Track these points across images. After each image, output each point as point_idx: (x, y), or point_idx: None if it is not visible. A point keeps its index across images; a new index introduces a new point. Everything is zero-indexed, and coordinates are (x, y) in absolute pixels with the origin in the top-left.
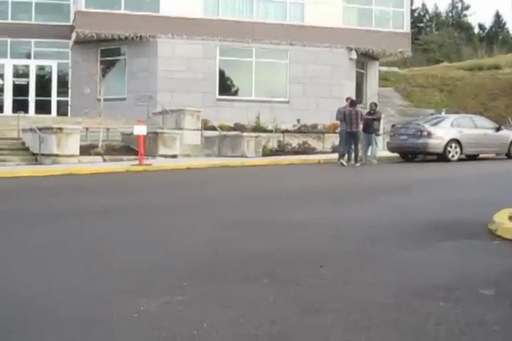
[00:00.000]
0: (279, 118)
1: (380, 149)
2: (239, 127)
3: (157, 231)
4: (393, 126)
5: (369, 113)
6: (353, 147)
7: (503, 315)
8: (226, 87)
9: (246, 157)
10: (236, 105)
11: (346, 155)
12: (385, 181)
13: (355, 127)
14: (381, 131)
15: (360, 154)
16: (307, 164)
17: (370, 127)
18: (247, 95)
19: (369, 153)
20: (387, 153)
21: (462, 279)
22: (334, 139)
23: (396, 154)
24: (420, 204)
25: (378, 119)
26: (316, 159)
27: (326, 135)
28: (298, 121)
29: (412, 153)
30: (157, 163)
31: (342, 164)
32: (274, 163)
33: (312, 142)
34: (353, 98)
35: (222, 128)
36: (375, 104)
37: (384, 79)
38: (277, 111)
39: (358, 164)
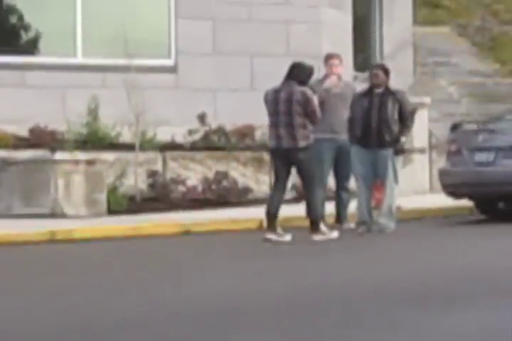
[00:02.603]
0: (151, 114)
1: (422, 189)
2: (44, 138)
3: None
4: (455, 127)
5: (369, 92)
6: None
7: None
8: (3, 32)
9: (63, 217)
10: (33, 81)
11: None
12: (437, 279)
13: (288, 137)
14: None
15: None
16: (230, 234)
17: (382, 134)
18: (62, 53)
19: (384, 206)
20: (441, 199)
21: None
22: None
23: (464, 202)
24: None
25: (406, 115)
26: (253, 220)
27: None
28: (201, 119)
29: (506, 198)
30: None
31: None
32: (138, 234)
33: (242, 174)
34: (335, 56)
35: None
36: (383, 68)
37: (429, 6)
38: (147, 93)
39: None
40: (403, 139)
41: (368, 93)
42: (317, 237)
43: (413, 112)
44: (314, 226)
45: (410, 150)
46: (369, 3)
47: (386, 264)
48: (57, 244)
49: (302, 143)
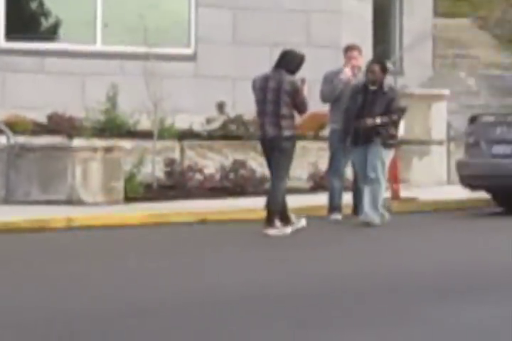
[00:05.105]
0: (170, 102)
1: (440, 181)
2: (62, 124)
3: None
4: (474, 119)
5: (364, 88)
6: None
7: None
8: (24, 19)
9: (80, 204)
10: (52, 67)
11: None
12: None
13: (273, 126)
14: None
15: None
16: (246, 223)
17: (370, 130)
18: (82, 40)
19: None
20: (459, 191)
21: None
22: (319, 156)
23: (482, 193)
24: None
25: (393, 110)
26: None
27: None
28: (220, 107)
29: None
30: None
31: (336, 221)
32: (154, 222)
33: (259, 163)
34: (353, 47)
35: (15, 127)
36: (381, 65)
37: None
38: (166, 81)
39: (281, 230)
40: (392, 132)
41: (362, 90)
42: (271, 231)
43: (402, 110)
44: (270, 220)
45: (428, 141)
46: None
47: (399, 256)
48: (74, 231)
49: (287, 133)
